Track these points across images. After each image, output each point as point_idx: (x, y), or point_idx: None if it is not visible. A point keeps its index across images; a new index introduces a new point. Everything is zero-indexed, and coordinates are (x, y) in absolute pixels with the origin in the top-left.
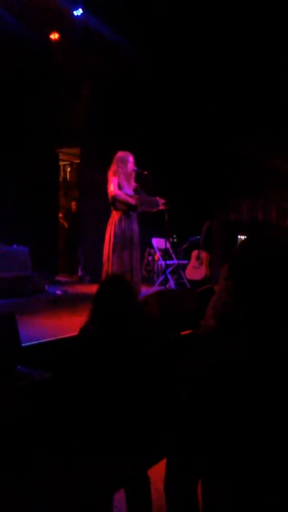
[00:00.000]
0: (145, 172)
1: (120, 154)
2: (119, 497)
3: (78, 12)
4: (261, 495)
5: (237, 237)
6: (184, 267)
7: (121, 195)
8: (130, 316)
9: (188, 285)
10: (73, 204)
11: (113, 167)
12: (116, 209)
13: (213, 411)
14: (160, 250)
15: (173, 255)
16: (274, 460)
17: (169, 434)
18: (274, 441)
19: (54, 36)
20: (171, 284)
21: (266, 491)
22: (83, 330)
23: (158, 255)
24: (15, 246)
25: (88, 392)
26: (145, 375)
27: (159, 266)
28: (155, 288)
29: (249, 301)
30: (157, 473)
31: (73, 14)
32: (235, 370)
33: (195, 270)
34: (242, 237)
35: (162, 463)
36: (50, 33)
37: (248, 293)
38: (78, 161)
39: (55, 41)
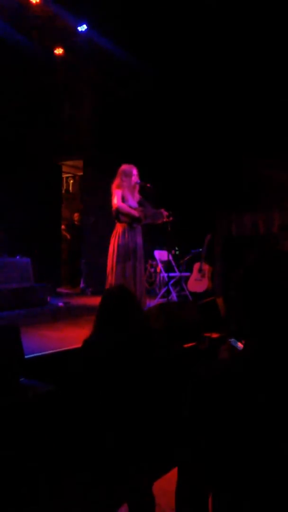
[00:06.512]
0: (148, 185)
1: (123, 167)
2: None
3: (83, 28)
4: (273, 507)
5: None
6: (186, 279)
7: (124, 207)
8: (134, 326)
9: (190, 298)
10: (76, 216)
11: (117, 180)
12: (120, 221)
13: (222, 421)
14: (162, 262)
15: (175, 267)
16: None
17: (179, 445)
18: (284, 451)
19: (59, 51)
20: (173, 296)
21: (279, 504)
22: (86, 341)
23: (160, 267)
24: (17, 257)
25: (93, 403)
26: (150, 385)
27: (161, 278)
28: (157, 300)
29: (258, 314)
30: (158, 488)
31: (77, 30)
32: (245, 380)
33: (197, 283)
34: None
35: (164, 479)
36: (55, 48)
37: (258, 307)
38: (81, 173)
39: (59, 55)
